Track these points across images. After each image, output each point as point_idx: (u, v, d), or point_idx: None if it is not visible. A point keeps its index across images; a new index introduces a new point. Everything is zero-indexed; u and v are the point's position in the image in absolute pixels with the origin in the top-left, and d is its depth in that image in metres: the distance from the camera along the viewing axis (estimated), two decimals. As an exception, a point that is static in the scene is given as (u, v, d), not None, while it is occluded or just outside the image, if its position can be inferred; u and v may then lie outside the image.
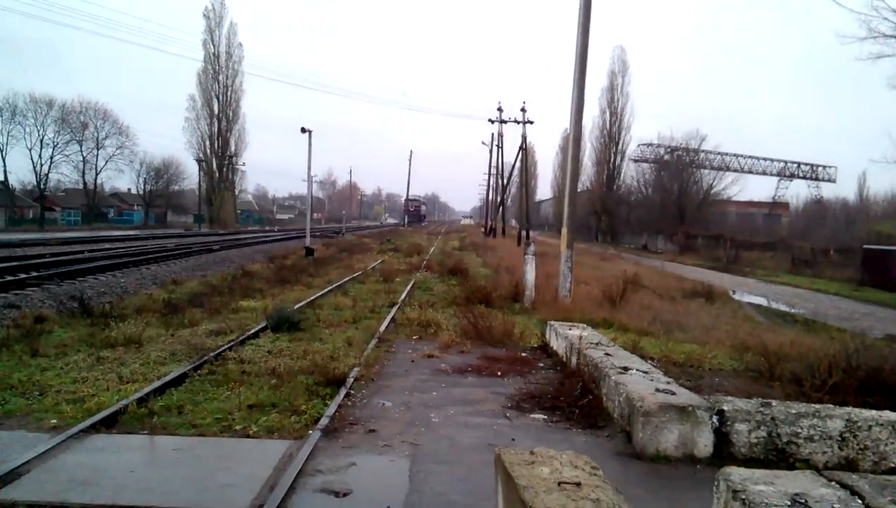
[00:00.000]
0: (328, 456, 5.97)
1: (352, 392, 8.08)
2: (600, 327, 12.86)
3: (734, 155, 78.84)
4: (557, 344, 10.52)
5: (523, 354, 10.76)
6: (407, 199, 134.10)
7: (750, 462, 5.99)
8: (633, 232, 74.45)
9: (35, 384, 8.01)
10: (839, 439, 6.09)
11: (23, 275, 18.30)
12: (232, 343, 10.41)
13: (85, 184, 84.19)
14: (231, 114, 77.81)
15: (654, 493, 5.41)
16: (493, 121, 62.02)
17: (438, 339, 11.65)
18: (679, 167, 69.35)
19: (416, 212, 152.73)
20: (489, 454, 5.44)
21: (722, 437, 6.22)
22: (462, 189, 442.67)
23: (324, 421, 6.79)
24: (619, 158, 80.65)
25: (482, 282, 18.90)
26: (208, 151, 77.39)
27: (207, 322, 12.61)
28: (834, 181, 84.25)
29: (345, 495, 5.17)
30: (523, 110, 55.94)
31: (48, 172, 77.82)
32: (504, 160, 67.40)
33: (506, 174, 66.49)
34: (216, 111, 77.11)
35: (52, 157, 77.33)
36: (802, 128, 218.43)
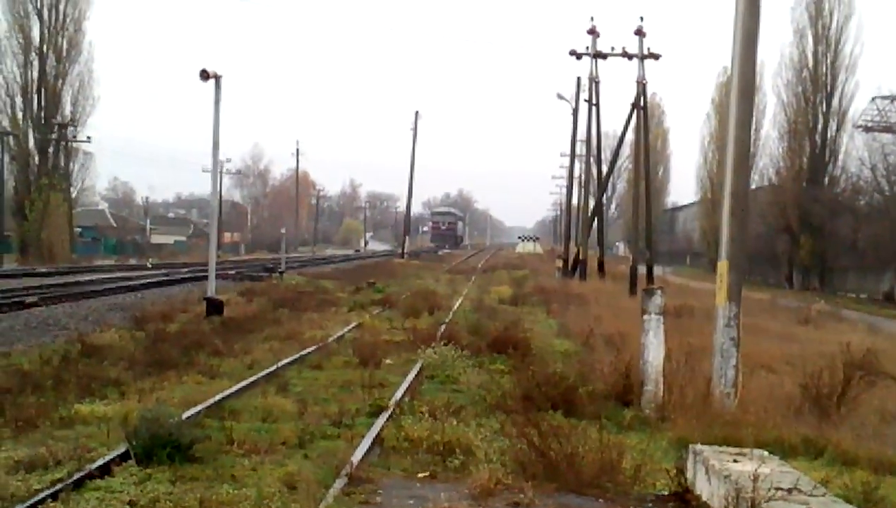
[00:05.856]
0: None
1: None
2: (797, 456, 7.82)
3: None
4: (711, 491, 6.51)
5: (640, 512, 5.97)
6: (434, 212, 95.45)
7: None
8: (865, 267, 44.75)
9: None
10: None
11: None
12: (60, 486, 5.97)
13: None
14: (65, 44, 45.91)
15: None
16: (578, 56, 33.12)
17: (470, 479, 6.57)
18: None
19: (450, 232, 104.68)
20: None
21: None
22: (517, 193, 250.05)
23: None
24: (834, 124, 47.09)
25: (558, 367, 11.76)
26: (19, 115, 45.27)
27: (11, 444, 7.53)
28: None
29: None
30: (640, 33, 30.77)
31: None
32: (601, 130, 37.92)
33: (606, 157, 38.10)
34: (36, 39, 45.16)
35: None
36: None
